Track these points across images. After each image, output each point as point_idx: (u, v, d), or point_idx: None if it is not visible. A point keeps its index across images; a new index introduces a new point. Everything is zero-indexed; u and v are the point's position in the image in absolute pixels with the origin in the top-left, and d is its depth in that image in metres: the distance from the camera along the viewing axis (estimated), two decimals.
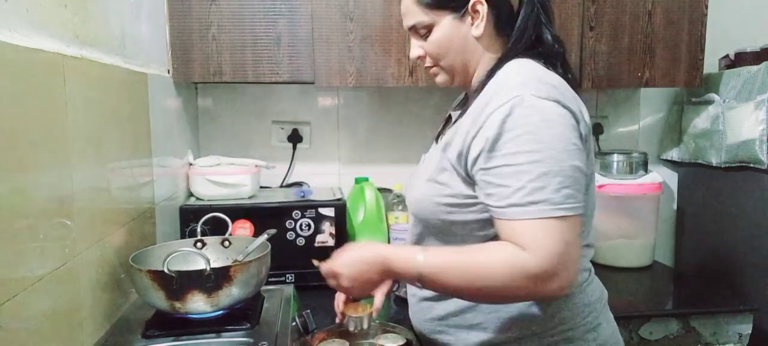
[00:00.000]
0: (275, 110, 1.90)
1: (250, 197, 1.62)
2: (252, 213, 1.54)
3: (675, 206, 2.09)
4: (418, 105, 1.94)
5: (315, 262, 1.04)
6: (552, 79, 0.92)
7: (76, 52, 0.96)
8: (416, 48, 1.03)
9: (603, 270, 1.62)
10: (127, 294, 1.17)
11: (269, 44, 1.57)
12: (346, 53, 1.58)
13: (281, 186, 1.90)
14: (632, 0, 1.67)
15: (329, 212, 1.58)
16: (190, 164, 1.63)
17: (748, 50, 1.77)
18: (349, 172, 1.92)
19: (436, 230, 1.00)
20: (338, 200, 1.60)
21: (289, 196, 1.66)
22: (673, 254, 2.11)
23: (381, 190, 1.82)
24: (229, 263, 1.16)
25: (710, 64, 1.81)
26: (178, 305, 1.02)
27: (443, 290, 0.96)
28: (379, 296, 1.01)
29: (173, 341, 1.02)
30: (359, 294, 1.01)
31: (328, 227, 1.58)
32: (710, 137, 1.80)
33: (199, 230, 1.28)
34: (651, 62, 1.70)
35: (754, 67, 1.64)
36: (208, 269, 1.00)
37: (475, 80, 1.02)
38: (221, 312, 1.06)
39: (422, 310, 1.08)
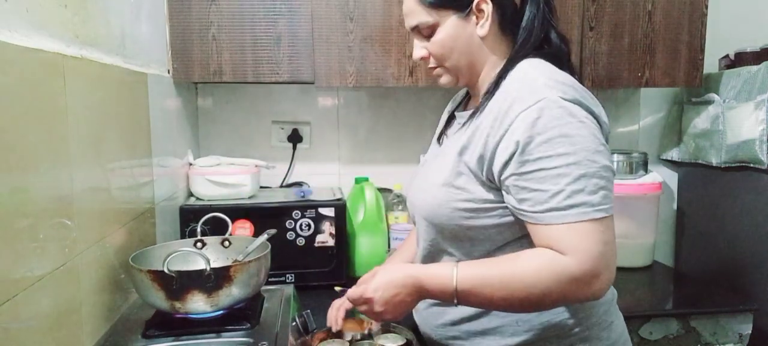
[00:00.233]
0: (275, 110, 1.90)
1: (250, 197, 1.62)
2: (252, 213, 1.54)
3: (675, 206, 2.09)
4: (419, 105, 1.93)
5: (337, 288, 1.03)
6: (570, 80, 0.91)
7: (76, 52, 0.96)
8: (419, 49, 1.01)
9: None
10: (127, 294, 1.17)
11: (269, 44, 1.57)
12: (346, 53, 1.58)
13: (281, 186, 1.90)
14: (632, 0, 1.67)
15: (329, 212, 1.58)
16: (190, 164, 1.63)
17: (748, 50, 1.77)
18: (349, 172, 1.92)
19: (453, 236, 0.98)
20: (338, 200, 1.60)
21: (289, 196, 1.66)
22: (673, 254, 2.11)
23: (381, 190, 1.82)
24: (229, 263, 1.16)
25: (710, 64, 1.81)
26: (178, 305, 1.02)
27: (480, 305, 0.94)
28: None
29: (173, 341, 1.02)
30: (392, 318, 0.97)
31: (328, 227, 1.58)
32: (710, 137, 1.80)
33: (199, 230, 1.27)
34: (651, 62, 1.70)
35: (754, 67, 1.64)
36: (208, 269, 1.00)
37: (483, 81, 1.00)
38: (221, 312, 1.06)
39: (433, 315, 1.06)
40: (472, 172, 0.93)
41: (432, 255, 1.04)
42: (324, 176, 1.92)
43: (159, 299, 1.02)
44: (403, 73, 1.60)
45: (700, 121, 1.85)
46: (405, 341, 1.08)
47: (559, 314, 0.95)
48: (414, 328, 1.12)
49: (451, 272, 0.89)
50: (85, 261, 0.96)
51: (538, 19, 0.96)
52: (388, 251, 1.75)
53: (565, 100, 0.86)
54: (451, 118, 1.11)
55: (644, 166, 1.84)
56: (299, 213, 1.56)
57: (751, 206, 1.68)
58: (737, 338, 1.53)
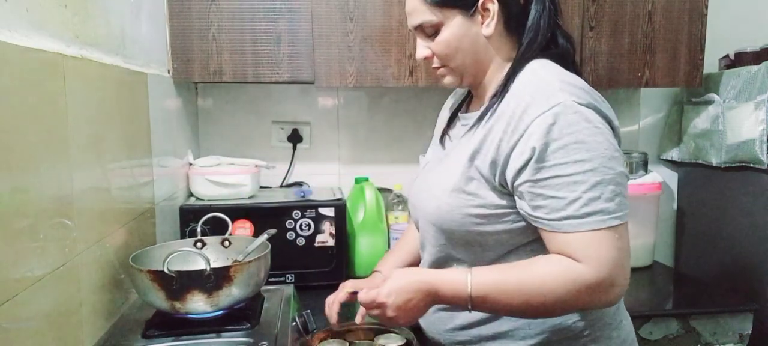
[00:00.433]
0: (275, 110, 1.90)
1: (250, 197, 1.62)
2: (252, 213, 1.54)
3: (675, 206, 2.09)
4: (419, 105, 1.93)
5: (349, 291, 1.02)
6: (581, 82, 0.90)
7: (76, 52, 0.96)
8: (423, 48, 0.98)
9: None
10: (127, 294, 1.17)
11: (269, 44, 1.57)
12: (346, 53, 1.58)
13: (281, 186, 1.90)
14: (632, 0, 1.67)
15: (329, 212, 1.58)
16: (190, 164, 1.63)
17: (748, 50, 1.77)
18: (349, 172, 1.92)
19: (463, 242, 0.96)
20: (338, 200, 1.60)
21: (289, 196, 1.66)
22: (673, 254, 2.11)
23: (381, 190, 1.82)
24: (229, 263, 1.16)
25: (710, 64, 1.81)
26: (178, 305, 1.02)
27: (493, 310, 0.93)
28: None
29: (173, 341, 1.02)
30: (405, 324, 0.95)
31: (328, 227, 1.58)
32: (710, 137, 1.80)
33: (199, 230, 1.27)
34: (651, 62, 1.70)
35: (754, 67, 1.64)
36: (208, 269, 1.00)
37: (489, 82, 0.98)
38: (221, 312, 1.06)
39: (440, 320, 1.04)
40: (484, 177, 0.91)
41: (440, 261, 1.02)
42: (324, 176, 1.92)
43: (159, 299, 1.02)
44: (403, 73, 1.60)
45: (700, 121, 1.85)
46: (405, 341, 1.07)
47: (570, 316, 0.94)
48: (416, 329, 1.12)
49: (465, 278, 0.88)
50: (85, 261, 0.96)
51: (544, 18, 0.94)
52: (388, 250, 1.75)
53: (580, 104, 0.85)
54: (453, 117, 1.09)
55: (644, 166, 1.84)
56: (299, 213, 1.56)
57: (751, 206, 1.68)
58: (737, 338, 1.53)
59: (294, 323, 1.12)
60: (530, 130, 0.84)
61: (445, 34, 0.94)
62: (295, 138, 1.90)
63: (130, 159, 1.19)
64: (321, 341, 1.10)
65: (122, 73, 1.17)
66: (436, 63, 0.99)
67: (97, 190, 1.02)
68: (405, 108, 1.94)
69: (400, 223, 1.80)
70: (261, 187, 1.72)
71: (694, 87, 1.77)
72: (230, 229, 1.29)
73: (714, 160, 1.79)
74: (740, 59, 1.79)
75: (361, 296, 0.94)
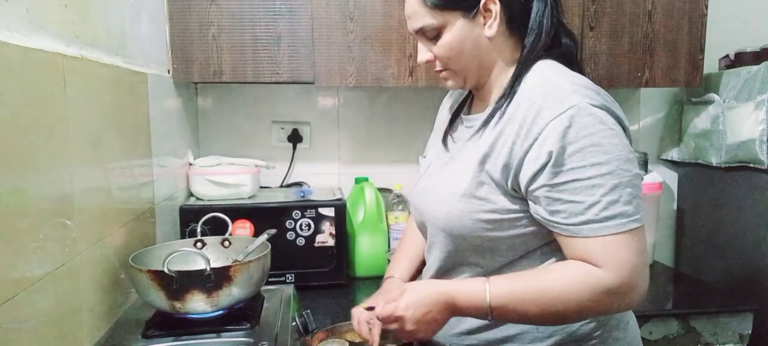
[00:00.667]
0: (275, 110, 1.90)
1: (250, 197, 1.62)
2: (252, 213, 1.54)
3: (675, 206, 2.09)
4: (419, 105, 1.93)
5: (363, 307, 0.99)
6: (591, 83, 0.89)
7: (76, 52, 0.96)
8: (424, 52, 0.96)
9: None
10: (127, 294, 1.17)
11: (269, 44, 1.56)
12: (346, 53, 1.58)
13: (281, 186, 1.90)
14: (632, 0, 1.67)
15: (329, 212, 1.58)
16: (190, 164, 1.63)
17: (748, 50, 1.77)
18: (349, 172, 1.92)
19: (474, 248, 0.94)
20: (338, 200, 1.60)
21: (289, 196, 1.66)
22: (673, 254, 2.11)
23: (381, 190, 1.82)
24: (229, 263, 1.16)
25: (710, 64, 1.81)
26: (178, 305, 1.02)
27: (514, 319, 0.91)
28: None
29: (173, 341, 1.02)
30: (424, 337, 0.92)
31: (328, 227, 1.58)
32: (710, 137, 1.80)
33: (199, 230, 1.27)
34: (651, 62, 1.70)
35: (754, 67, 1.64)
36: (208, 269, 1.00)
37: (493, 83, 0.96)
38: (221, 312, 1.06)
39: (448, 324, 1.00)
40: (495, 181, 0.89)
41: (449, 267, 1.00)
42: (324, 176, 1.92)
43: (159, 299, 1.02)
44: (403, 73, 1.60)
45: (700, 121, 1.85)
46: (405, 341, 1.07)
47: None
48: None
49: (483, 288, 0.87)
50: (85, 261, 0.96)
51: (546, 16, 0.92)
52: (389, 250, 1.75)
53: (594, 106, 0.83)
54: (454, 118, 1.07)
55: (644, 166, 1.84)
56: (299, 213, 1.56)
57: (751, 206, 1.68)
58: (737, 338, 1.53)
59: (294, 323, 1.11)
60: (545, 134, 0.83)
61: (446, 37, 0.92)
62: (295, 138, 1.90)
63: (130, 159, 1.19)
64: (321, 341, 1.10)
65: (122, 73, 1.17)
66: (438, 66, 0.97)
67: (97, 190, 1.02)
68: (405, 108, 1.94)
69: (400, 223, 1.80)
70: (261, 187, 1.72)
71: (694, 87, 1.77)
72: (230, 229, 1.29)
73: (714, 160, 1.79)
74: (740, 59, 1.79)
75: (379, 311, 0.92)
